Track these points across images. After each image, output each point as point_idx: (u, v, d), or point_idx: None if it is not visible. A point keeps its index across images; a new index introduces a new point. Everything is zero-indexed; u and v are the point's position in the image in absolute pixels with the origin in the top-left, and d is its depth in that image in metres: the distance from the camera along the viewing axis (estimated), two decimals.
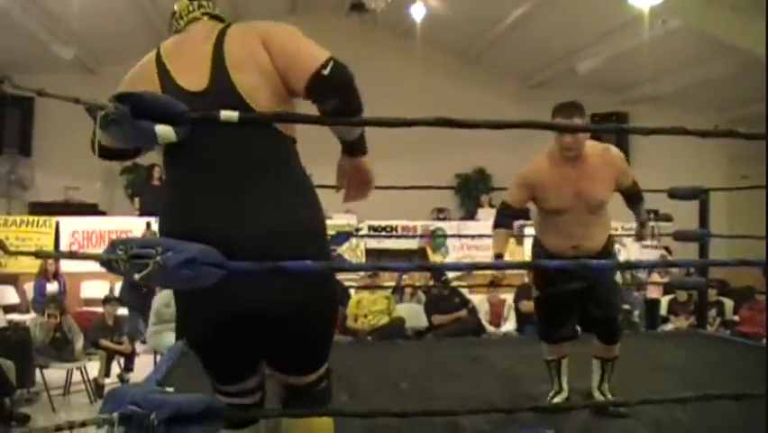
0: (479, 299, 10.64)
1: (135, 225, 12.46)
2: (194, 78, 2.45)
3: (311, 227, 2.49)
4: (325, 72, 2.46)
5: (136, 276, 1.97)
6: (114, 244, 1.99)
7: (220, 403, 2.24)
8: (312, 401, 2.62)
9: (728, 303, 11.29)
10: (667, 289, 11.41)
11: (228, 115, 2.01)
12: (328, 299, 2.60)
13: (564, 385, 4.49)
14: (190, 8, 2.78)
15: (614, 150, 4.39)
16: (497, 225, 4.47)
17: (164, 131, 2.12)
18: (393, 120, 2.02)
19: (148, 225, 11.96)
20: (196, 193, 2.38)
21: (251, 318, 2.39)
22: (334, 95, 2.43)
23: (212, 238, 2.14)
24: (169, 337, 7.74)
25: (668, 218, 14.26)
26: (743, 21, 11.65)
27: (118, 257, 1.94)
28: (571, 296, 4.25)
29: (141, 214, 14.00)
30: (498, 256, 4.39)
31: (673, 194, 7.03)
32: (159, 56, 2.62)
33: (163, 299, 9.40)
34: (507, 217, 4.46)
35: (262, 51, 2.46)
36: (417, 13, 14.22)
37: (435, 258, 13.03)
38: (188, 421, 1.99)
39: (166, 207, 2.48)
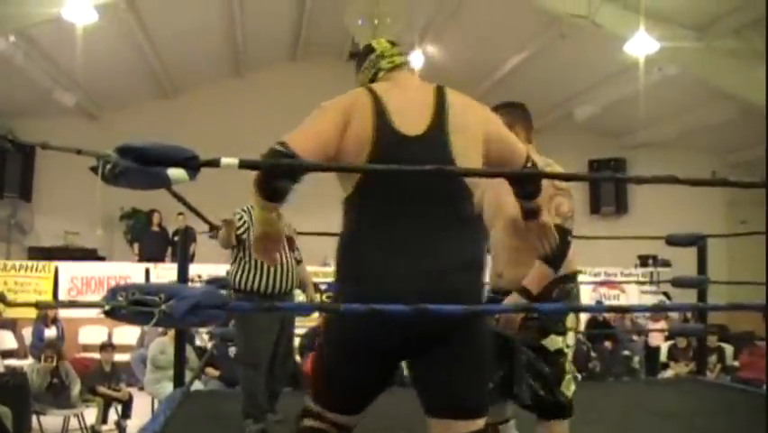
0: None
1: (134, 271, 12.45)
2: (411, 123, 2.59)
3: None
4: (529, 164, 2.83)
5: (145, 327, 1.99)
6: (114, 291, 2.01)
7: None
8: None
9: (728, 349, 11.26)
10: (668, 335, 11.40)
11: (228, 162, 2.05)
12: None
13: None
14: (393, 51, 3.05)
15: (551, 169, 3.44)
16: None
17: (177, 174, 2.15)
18: (382, 167, 2.04)
19: (147, 271, 11.96)
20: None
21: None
22: (533, 181, 2.87)
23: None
24: (167, 385, 7.72)
25: (666, 264, 14.31)
26: (739, 67, 11.76)
27: (119, 304, 1.95)
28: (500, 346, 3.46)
29: (141, 260, 14.03)
30: None
31: (671, 241, 7.05)
32: (375, 96, 2.72)
33: (158, 347, 9.37)
34: None
35: (483, 127, 2.75)
36: (416, 60, 14.34)
37: None
38: None
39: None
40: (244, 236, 5.29)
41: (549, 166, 3.47)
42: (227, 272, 5.63)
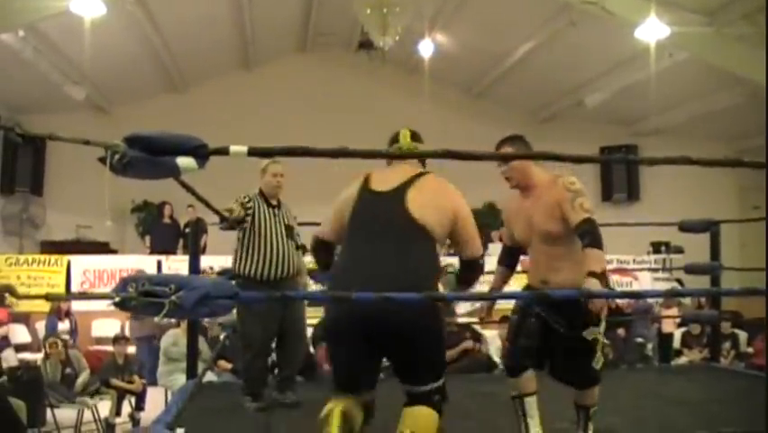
0: (490, 335, 10.57)
1: (146, 263, 12.46)
2: (384, 186, 3.65)
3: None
4: (480, 262, 3.90)
5: (156, 319, 1.98)
6: (124, 282, 2.00)
7: None
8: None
9: (742, 335, 11.21)
10: (681, 322, 11.35)
11: (237, 150, 2.04)
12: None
13: (530, 430, 4.14)
14: (410, 147, 3.85)
15: (563, 179, 3.99)
16: (498, 261, 4.58)
17: (186, 162, 2.15)
18: (398, 153, 2.03)
19: (158, 263, 11.99)
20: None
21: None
22: (476, 271, 3.94)
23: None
24: (180, 377, 7.72)
25: (679, 250, 14.24)
26: (750, 52, 11.67)
27: (129, 295, 1.94)
28: (533, 324, 4.09)
29: (152, 252, 14.05)
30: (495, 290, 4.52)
31: (684, 227, 7.01)
32: (368, 175, 3.77)
33: (171, 339, 9.38)
34: (503, 254, 4.54)
35: (453, 207, 3.73)
36: (425, 50, 14.31)
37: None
38: None
39: None
40: (245, 225, 5.40)
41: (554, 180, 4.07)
42: None
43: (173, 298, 1.92)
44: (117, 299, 2.01)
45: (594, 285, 3.66)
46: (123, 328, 11.65)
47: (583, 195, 3.92)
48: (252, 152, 2.07)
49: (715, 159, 2.42)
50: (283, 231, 5.53)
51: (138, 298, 1.95)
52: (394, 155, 2.12)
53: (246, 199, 5.44)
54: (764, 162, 2.63)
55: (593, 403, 4.15)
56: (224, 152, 2.09)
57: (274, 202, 5.61)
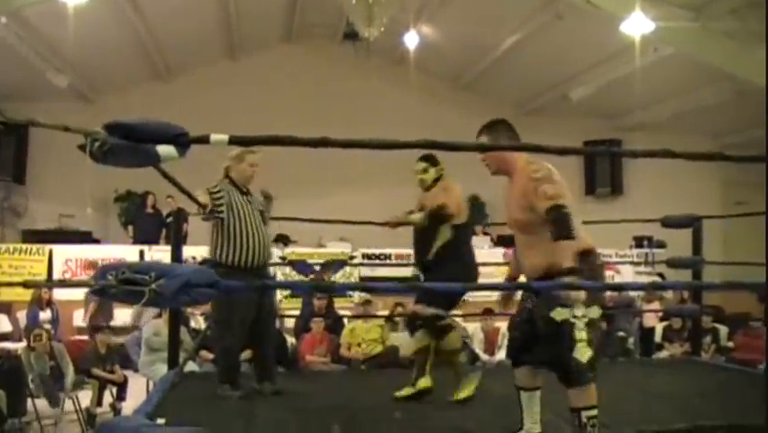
0: (473, 328, 10.60)
1: (129, 253, 12.40)
2: None
3: None
4: None
5: (136, 307, 1.97)
6: (104, 270, 1.98)
7: None
8: None
9: (723, 330, 11.25)
10: (662, 316, 11.39)
11: (218, 138, 2.03)
12: None
13: (524, 424, 4.17)
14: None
15: (529, 167, 3.93)
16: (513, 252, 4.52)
17: (167, 150, 2.14)
18: (378, 142, 2.02)
19: (141, 253, 11.93)
20: None
21: None
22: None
23: None
24: (162, 367, 7.69)
25: (662, 245, 14.29)
26: (735, 48, 11.72)
27: (109, 283, 1.93)
28: (523, 315, 4.08)
29: (135, 242, 13.99)
30: (510, 280, 4.47)
31: (666, 222, 7.04)
32: None
33: (153, 328, 9.34)
34: (511, 241, 4.41)
35: None
36: (411, 41, 14.28)
37: None
38: None
39: None
40: (222, 214, 5.39)
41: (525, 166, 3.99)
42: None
43: (153, 286, 1.90)
44: (97, 287, 1.99)
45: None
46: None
47: (547, 181, 3.81)
48: (233, 141, 2.05)
49: (696, 152, 2.42)
50: (259, 218, 5.57)
51: (118, 286, 1.94)
52: (374, 145, 2.11)
53: (216, 189, 5.43)
54: (764, 156, 2.63)
55: (586, 406, 3.86)
56: (204, 140, 2.08)
57: (244, 189, 5.62)
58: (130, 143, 2.04)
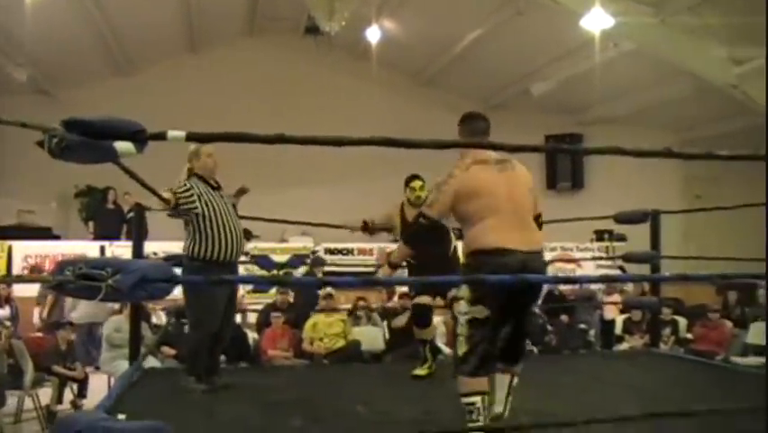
0: (435, 321, 10.62)
1: (89, 249, 12.31)
2: None
3: None
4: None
5: (92, 302, 1.97)
6: (61, 265, 1.98)
7: (167, 429, 2.20)
8: None
9: (682, 321, 11.40)
10: (623, 308, 11.51)
11: (175, 134, 2.03)
12: None
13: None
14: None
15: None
16: None
17: (125, 147, 2.13)
18: (333, 139, 2.04)
19: (102, 249, 11.85)
20: None
21: None
22: None
23: None
24: (123, 363, 7.65)
25: (622, 238, 14.46)
26: (694, 44, 11.86)
27: (66, 278, 1.92)
28: None
29: (96, 238, 13.87)
30: None
31: (619, 219, 7.15)
32: None
33: (113, 325, 9.29)
34: None
35: None
36: (373, 35, 14.28)
37: None
38: None
39: None
40: (196, 210, 5.37)
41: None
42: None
43: (110, 281, 1.90)
44: (54, 282, 1.99)
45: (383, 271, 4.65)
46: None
47: (435, 188, 4.17)
48: (190, 138, 2.06)
49: (647, 150, 2.45)
50: (232, 211, 5.59)
51: (75, 281, 1.93)
52: (331, 141, 2.12)
53: (185, 187, 5.41)
54: (764, 155, 2.68)
55: (464, 393, 4.01)
56: (161, 136, 2.08)
57: (214, 184, 5.62)
58: (88, 140, 2.03)
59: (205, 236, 5.37)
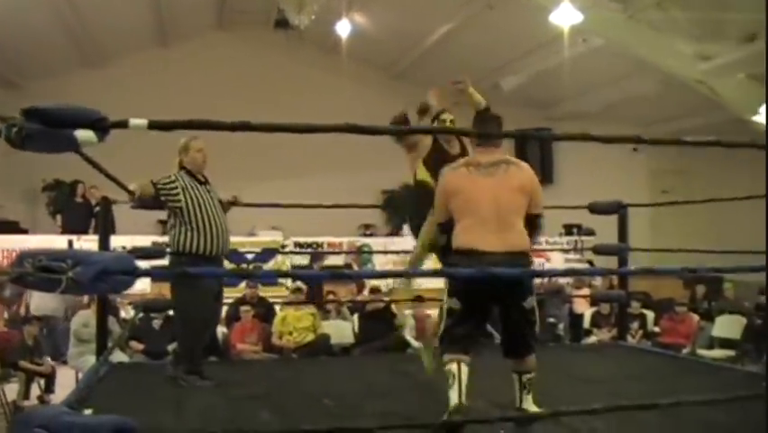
0: (405, 315, 10.65)
1: (57, 244, 12.20)
2: None
3: None
4: None
5: (49, 295, 1.95)
6: (21, 258, 1.96)
7: (131, 423, 2.18)
8: None
9: (650, 315, 11.49)
10: (591, 302, 11.58)
11: (137, 122, 2.02)
12: None
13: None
14: None
15: None
16: None
17: (85, 135, 2.11)
18: (297, 126, 2.03)
19: (70, 242, 11.76)
20: None
21: None
22: None
23: None
24: (91, 359, 7.60)
25: (591, 232, 14.55)
26: (660, 40, 11.94)
27: (26, 271, 1.90)
28: None
29: (64, 232, 13.75)
30: None
31: (593, 209, 7.17)
32: None
33: (81, 320, 9.22)
34: None
35: None
36: (343, 29, 14.27)
37: None
38: None
39: None
40: (179, 204, 5.36)
41: None
42: (154, 242, 5.67)
43: (70, 273, 1.88)
44: (14, 275, 1.97)
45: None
46: (27, 308, 11.36)
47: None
48: (152, 126, 2.04)
49: (616, 136, 2.47)
50: (218, 206, 5.57)
51: (35, 273, 1.91)
52: (297, 128, 2.12)
53: (169, 179, 5.39)
54: (764, 144, 2.71)
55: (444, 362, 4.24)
56: (123, 125, 2.06)
57: (201, 178, 5.60)
58: (47, 129, 2.01)
59: (191, 230, 5.35)
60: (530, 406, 4.28)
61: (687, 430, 4.13)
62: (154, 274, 4.81)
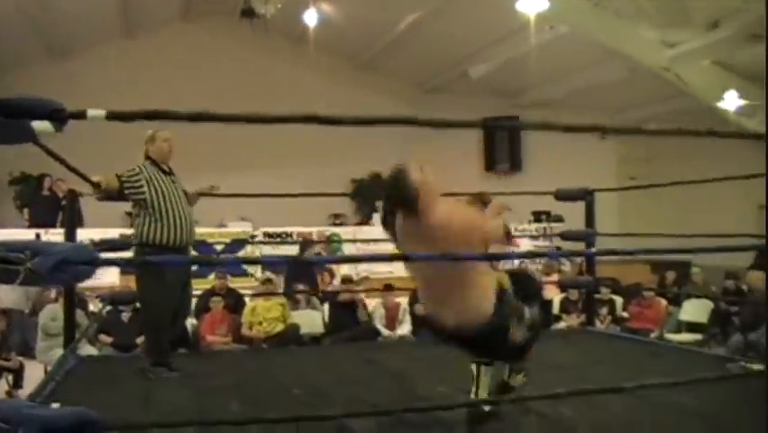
0: (374, 304, 10.69)
1: (24, 237, 12.05)
2: None
3: None
4: None
5: (12, 285, 1.93)
6: None
7: (93, 415, 2.17)
8: None
9: (619, 301, 11.59)
10: (560, 288, 11.64)
11: (94, 113, 2.01)
12: None
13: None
14: None
15: None
16: None
17: (43, 126, 2.10)
18: (257, 116, 2.03)
19: (37, 236, 11.64)
20: None
21: None
22: None
23: None
24: (59, 352, 7.54)
25: (559, 219, 14.65)
26: (626, 27, 12.01)
27: None
28: None
29: (31, 225, 13.63)
30: None
31: (559, 195, 7.21)
32: None
33: (49, 314, 9.18)
34: None
35: None
36: (310, 19, 14.23)
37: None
38: None
39: None
40: (143, 195, 5.34)
41: None
42: (122, 234, 5.66)
43: (28, 264, 1.87)
44: None
45: None
46: None
47: None
48: (111, 116, 2.03)
49: (579, 125, 2.49)
50: (183, 196, 5.55)
51: None
52: (255, 119, 2.11)
53: (133, 171, 5.37)
54: (764, 134, 2.74)
55: None
56: (81, 115, 2.05)
57: (166, 168, 5.58)
58: (4, 119, 1.99)
59: (155, 221, 5.34)
60: (516, 382, 4.23)
61: (655, 414, 4.17)
62: (114, 264, 4.79)
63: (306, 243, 13.00)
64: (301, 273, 11.42)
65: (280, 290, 10.76)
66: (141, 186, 5.34)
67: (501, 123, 13.68)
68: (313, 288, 11.21)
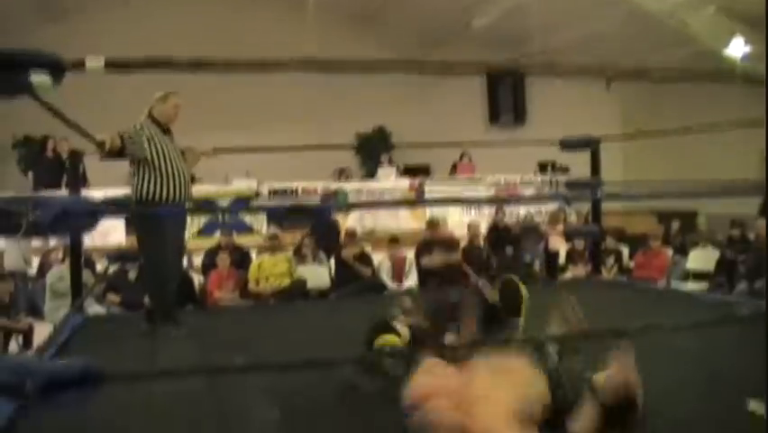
0: (381, 257, 10.69)
1: None
2: None
3: None
4: None
5: (14, 237, 1.93)
6: None
7: (98, 367, 2.17)
8: None
9: (625, 251, 11.59)
10: (567, 238, 11.63)
11: (94, 64, 1.99)
12: None
13: None
14: None
15: None
16: None
17: (40, 79, 2.08)
18: (259, 61, 2.02)
19: None
20: None
21: None
22: None
23: None
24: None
25: (565, 169, 14.61)
26: None
27: None
28: None
29: (36, 188, 13.62)
30: None
31: (565, 144, 7.18)
32: None
33: (57, 274, 9.21)
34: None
35: None
36: None
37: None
38: (64, 387, 1.94)
39: None
40: (145, 153, 5.36)
41: None
42: (126, 195, 5.69)
43: (29, 216, 1.86)
44: None
45: None
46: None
47: None
48: (109, 64, 2.01)
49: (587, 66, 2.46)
50: (180, 156, 5.59)
51: None
52: (255, 65, 2.11)
53: (134, 130, 5.38)
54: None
55: None
56: (79, 65, 2.03)
57: (166, 129, 5.60)
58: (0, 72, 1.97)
59: (154, 178, 5.38)
60: None
61: (658, 357, 4.18)
62: (114, 213, 4.78)
63: (327, 197, 12.95)
64: (324, 231, 11.38)
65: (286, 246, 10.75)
66: (143, 144, 5.36)
67: (506, 66, 13.57)
68: (334, 245, 11.14)
